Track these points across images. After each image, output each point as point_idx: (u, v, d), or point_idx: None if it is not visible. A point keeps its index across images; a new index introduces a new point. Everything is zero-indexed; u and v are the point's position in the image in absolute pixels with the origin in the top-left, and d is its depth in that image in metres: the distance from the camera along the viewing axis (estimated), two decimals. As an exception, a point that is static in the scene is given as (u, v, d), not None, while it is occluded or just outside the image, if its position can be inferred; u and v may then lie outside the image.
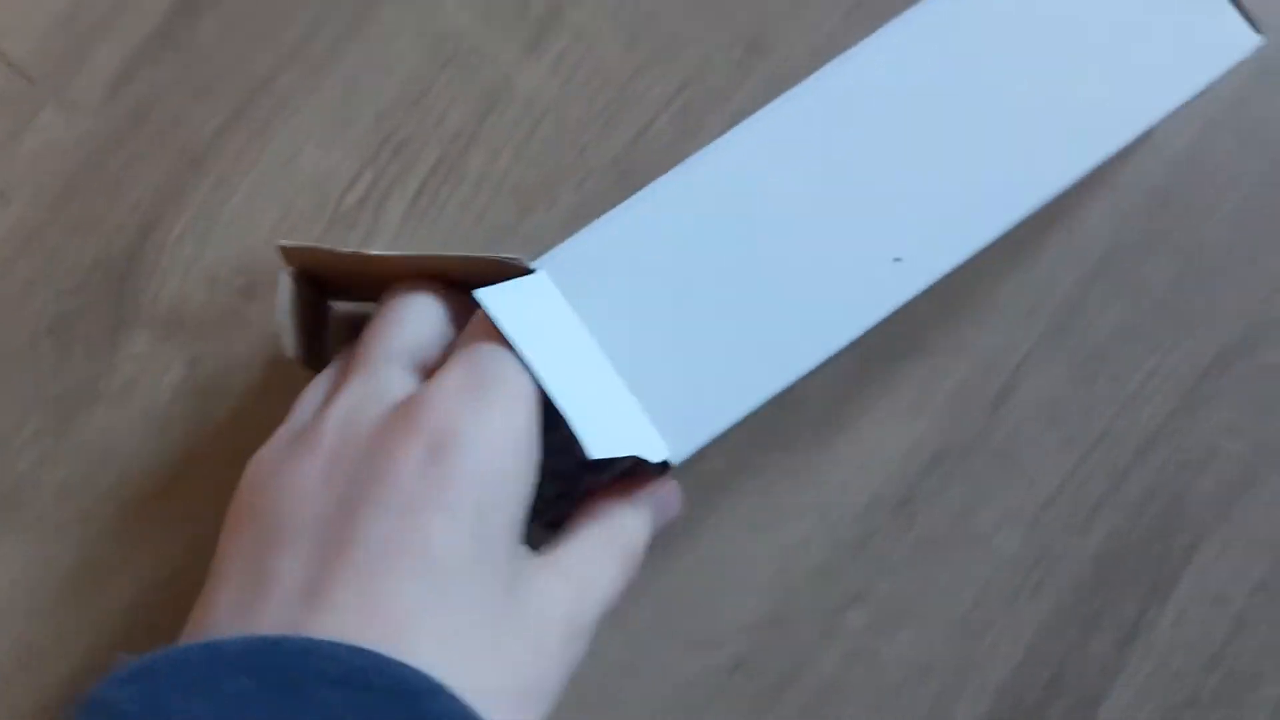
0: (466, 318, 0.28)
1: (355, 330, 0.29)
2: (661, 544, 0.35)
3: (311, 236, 0.35)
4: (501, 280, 0.26)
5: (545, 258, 0.28)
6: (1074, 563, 0.36)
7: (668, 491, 0.29)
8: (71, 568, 0.34)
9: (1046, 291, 0.37)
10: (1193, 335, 0.37)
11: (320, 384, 0.28)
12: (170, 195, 0.35)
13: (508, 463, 0.24)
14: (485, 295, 0.26)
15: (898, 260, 0.28)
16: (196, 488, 0.34)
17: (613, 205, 0.29)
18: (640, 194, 0.29)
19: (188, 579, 0.33)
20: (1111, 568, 0.36)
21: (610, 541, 0.27)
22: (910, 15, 0.30)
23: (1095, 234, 0.38)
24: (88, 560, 0.34)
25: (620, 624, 0.34)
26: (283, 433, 0.26)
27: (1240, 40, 0.31)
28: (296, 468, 0.24)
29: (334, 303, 0.33)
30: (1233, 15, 0.31)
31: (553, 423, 0.26)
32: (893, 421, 0.36)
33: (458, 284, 0.28)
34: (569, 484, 0.29)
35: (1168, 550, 0.36)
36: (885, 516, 0.36)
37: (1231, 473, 0.36)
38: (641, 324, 0.28)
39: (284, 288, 0.28)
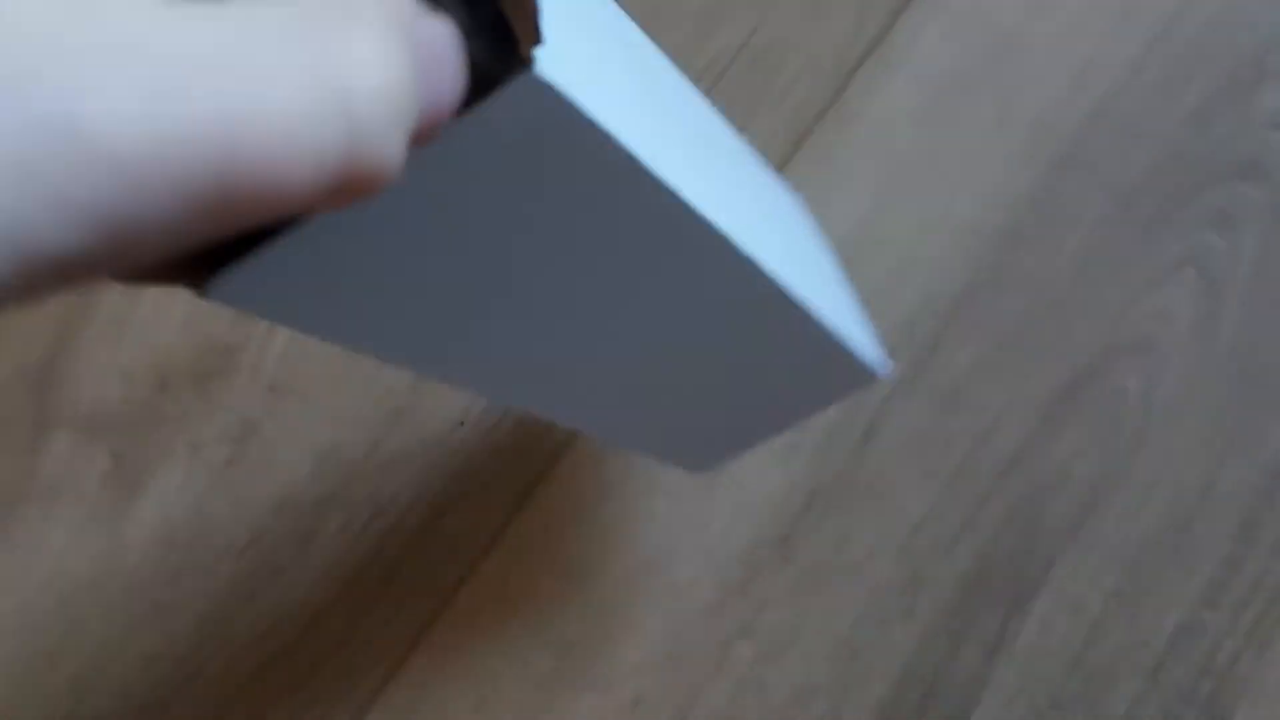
0: None
1: None
2: (560, 591, 0.39)
3: (220, 331, 0.38)
4: None
5: None
6: (941, 583, 0.39)
7: (445, 46, 0.16)
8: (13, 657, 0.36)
9: (906, 333, 0.40)
10: (1043, 366, 0.40)
11: None
12: (82, 305, 0.38)
13: None
14: None
15: None
16: (132, 575, 0.37)
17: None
18: None
19: (136, 648, 0.36)
20: (976, 586, 0.39)
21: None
22: None
23: (950, 276, 0.41)
24: (29, 648, 0.36)
25: (524, 671, 0.37)
26: None
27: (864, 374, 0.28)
28: None
29: None
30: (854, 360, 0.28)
31: None
32: (769, 465, 0.39)
33: None
34: None
35: (1027, 566, 0.39)
36: (767, 554, 0.39)
37: (1082, 492, 0.39)
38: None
39: None
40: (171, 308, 0.38)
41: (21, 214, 0.11)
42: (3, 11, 0.11)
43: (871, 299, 0.40)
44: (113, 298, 0.38)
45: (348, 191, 0.13)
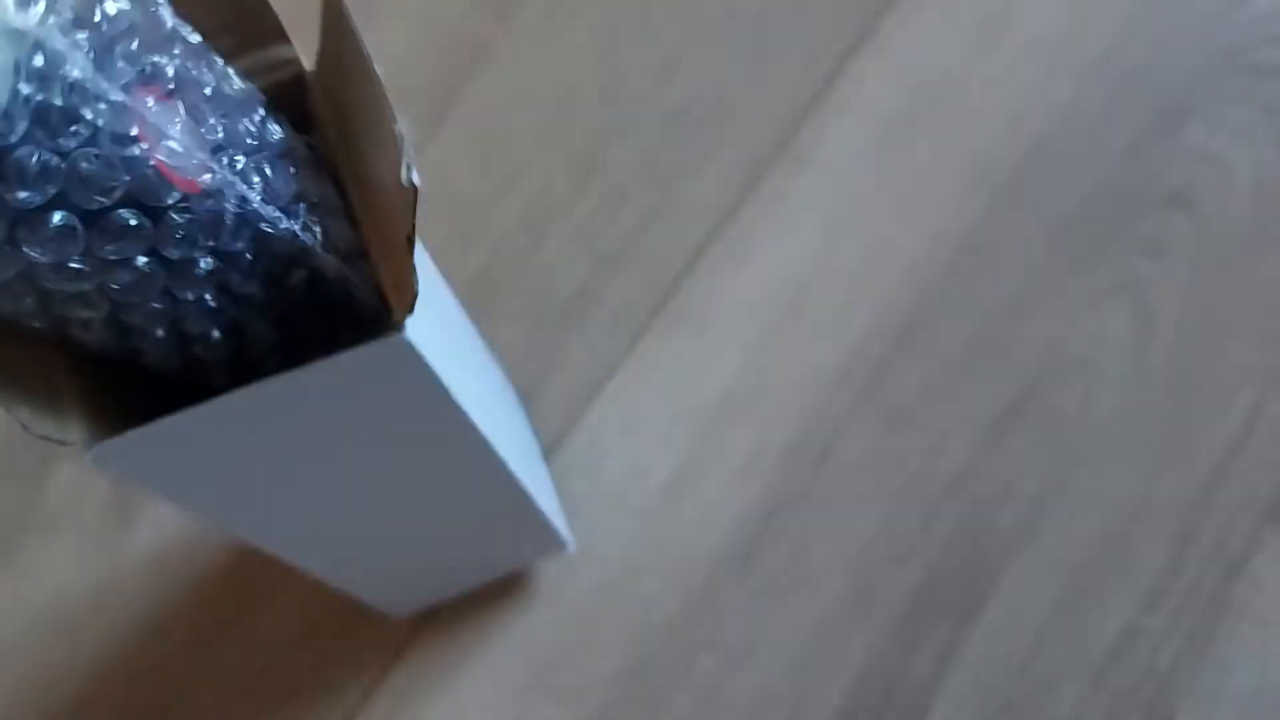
0: None
1: None
2: (531, 606, 0.41)
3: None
4: None
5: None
6: (894, 595, 0.41)
7: None
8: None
9: (857, 358, 0.43)
10: (987, 387, 0.43)
11: None
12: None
13: None
14: None
15: None
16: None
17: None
18: None
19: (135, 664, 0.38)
20: (927, 596, 0.41)
21: None
22: None
23: (898, 304, 0.43)
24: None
25: (497, 683, 0.39)
26: None
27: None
28: None
29: None
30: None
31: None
32: (730, 484, 0.42)
33: None
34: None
35: (975, 577, 0.41)
36: (728, 568, 0.41)
37: (1026, 506, 0.42)
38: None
39: None
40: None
41: None
42: None
43: (825, 327, 0.43)
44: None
45: None
